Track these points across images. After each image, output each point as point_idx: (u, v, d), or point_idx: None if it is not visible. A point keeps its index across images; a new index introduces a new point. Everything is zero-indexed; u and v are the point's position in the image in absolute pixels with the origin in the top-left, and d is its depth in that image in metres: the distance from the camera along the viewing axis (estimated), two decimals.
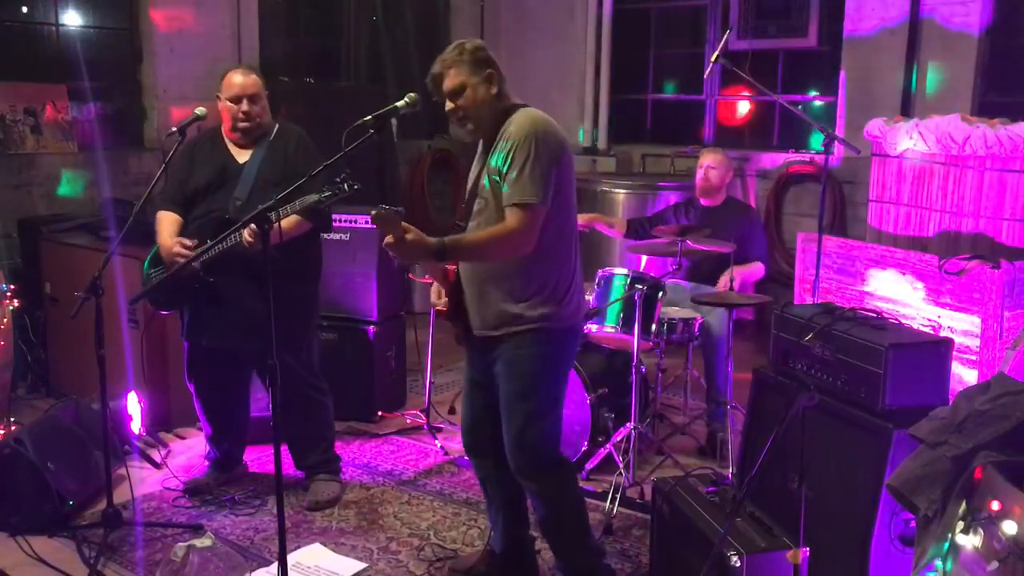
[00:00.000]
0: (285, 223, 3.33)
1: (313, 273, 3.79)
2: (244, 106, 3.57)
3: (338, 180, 2.99)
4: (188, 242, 3.48)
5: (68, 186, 5.43)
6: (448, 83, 2.74)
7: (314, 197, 3.11)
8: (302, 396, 3.73)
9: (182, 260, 3.41)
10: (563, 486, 2.97)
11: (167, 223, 3.60)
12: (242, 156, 3.63)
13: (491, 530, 3.21)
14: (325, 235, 4.81)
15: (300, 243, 3.56)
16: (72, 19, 5.71)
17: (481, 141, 2.89)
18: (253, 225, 3.16)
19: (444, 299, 2.95)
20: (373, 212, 2.54)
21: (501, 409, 2.87)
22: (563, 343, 2.87)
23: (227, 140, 3.67)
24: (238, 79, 3.58)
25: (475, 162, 2.94)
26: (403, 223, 2.57)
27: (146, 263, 3.69)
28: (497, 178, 2.70)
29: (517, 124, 2.70)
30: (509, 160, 2.66)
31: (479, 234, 2.73)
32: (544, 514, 2.97)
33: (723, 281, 4.43)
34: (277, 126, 3.71)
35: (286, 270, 3.50)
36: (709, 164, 4.78)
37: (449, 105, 2.77)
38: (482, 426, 3.02)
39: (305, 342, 3.75)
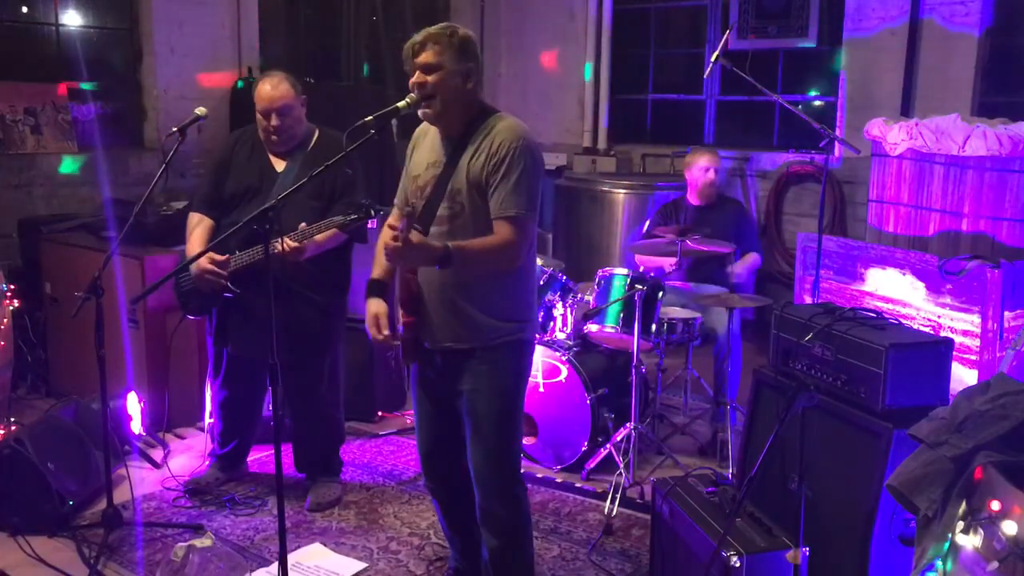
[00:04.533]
0: (319, 236, 3.34)
1: (341, 286, 3.67)
2: (273, 120, 3.42)
3: (365, 203, 3.01)
4: (219, 258, 3.36)
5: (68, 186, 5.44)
6: (424, 56, 2.55)
7: (339, 219, 3.13)
8: (319, 410, 3.73)
9: (211, 278, 3.35)
10: (526, 508, 2.82)
11: (199, 229, 3.50)
12: (280, 164, 3.52)
13: (450, 555, 3.10)
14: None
15: (330, 255, 3.49)
16: (72, 19, 5.71)
17: (439, 139, 2.69)
18: (287, 239, 3.21)
19: (386, 332, 2.73)
20: (407, 210, 2.56)
21: (471, 427, 2.70)
22: (530, 355, 2.80)
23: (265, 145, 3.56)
24: (266, 90, 3.41)
25: (425, 158, 2.71)
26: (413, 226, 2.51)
27: (178, 266, 3.57)
28: (481, 185, 2.57)
29: (508, 131, 2.58)
30: (502, 169, 2.54)
31: (482, 241, 2.55)
32: (501, 544, 2.76)
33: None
34: (317, 133, 3.57)
35: (314, 282, 3.50)
36: (712, 166, 4.78)
37: (417, 78, 2.56)
38: (445, 447, 2.86)
39: (330, 355, 3.69)
